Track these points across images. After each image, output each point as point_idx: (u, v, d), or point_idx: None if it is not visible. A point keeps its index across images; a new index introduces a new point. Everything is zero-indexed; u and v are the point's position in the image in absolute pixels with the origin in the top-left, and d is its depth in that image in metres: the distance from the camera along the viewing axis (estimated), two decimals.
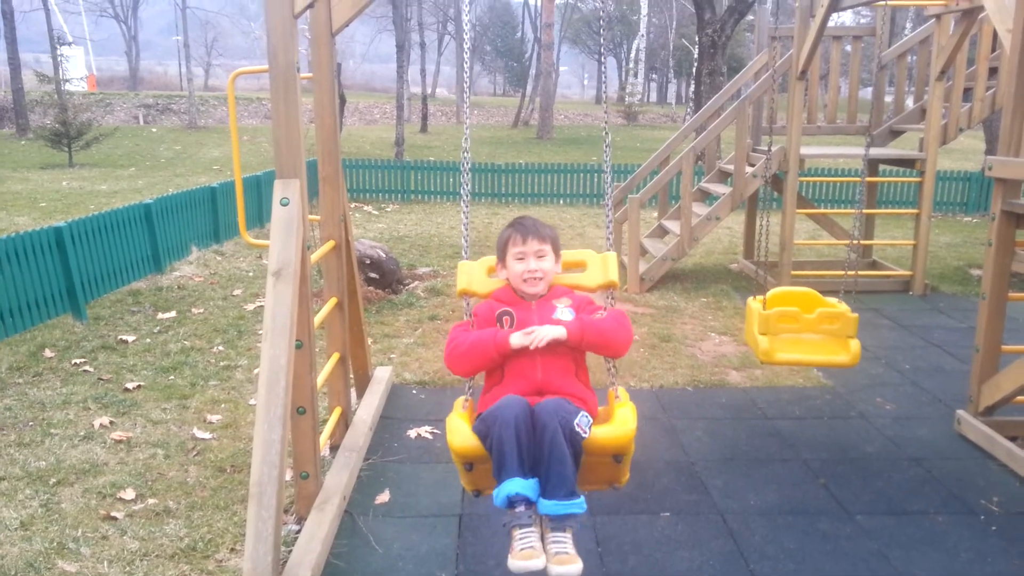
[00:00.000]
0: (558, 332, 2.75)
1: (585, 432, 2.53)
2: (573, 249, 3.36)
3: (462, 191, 3.23)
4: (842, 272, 8.69)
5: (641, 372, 6.04)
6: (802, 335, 4.72)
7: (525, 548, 2.44)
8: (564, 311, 2.86)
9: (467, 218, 3.29)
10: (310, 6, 3.57)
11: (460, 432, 2.71)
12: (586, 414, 2.59)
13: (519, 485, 2.48)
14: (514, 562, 2.44)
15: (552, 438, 2.46)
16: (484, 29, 59.75)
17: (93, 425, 4.89)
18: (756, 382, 5.89)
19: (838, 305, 4.69)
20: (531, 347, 2.72)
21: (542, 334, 2.73)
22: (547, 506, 2.49)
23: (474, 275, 3.15)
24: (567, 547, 2.46)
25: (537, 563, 2.39)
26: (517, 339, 2.75)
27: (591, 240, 11.55)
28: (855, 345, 4.55)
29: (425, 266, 9.52)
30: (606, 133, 3.31)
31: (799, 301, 4.80)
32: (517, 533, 2.50)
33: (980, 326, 4.88)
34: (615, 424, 2.69)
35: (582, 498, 2.55)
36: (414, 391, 5.64)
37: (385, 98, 46.66)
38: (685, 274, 9.37)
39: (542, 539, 2.50)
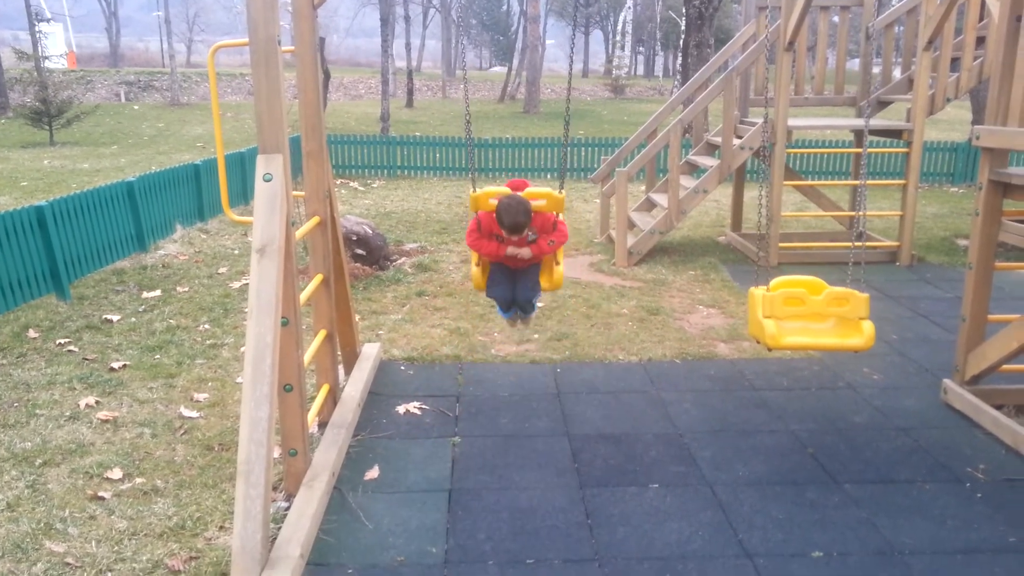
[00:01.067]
0: (527, 253, 4.49)
1: (538, 302, 4.98)
2: (540, 189, 4.57)
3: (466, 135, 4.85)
4: (830, 244, 8.75)
5: (629, 345, 6.04)
6: (811, 321, 4.49)
7: (509, 320, 4.95)
8: (530, 235, 4.46)
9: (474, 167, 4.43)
10: None
11: (478, 283, 4.70)
12: (539, 293, 4.72)
13: (508, 314, 4.85)
14: (507, 325, 5.29)
15: (524, 305, 4.74)
16: (469, 2, 59.11)
17: (79, 405, 4.86)
18: (744, 354, 5.90)
19: (845, 288, 4.45)
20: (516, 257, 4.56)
21: (521, 255, 4.49)
22: (523, 315, 4.90)
23: (479, 202, 4.53)
24: (529, 320, 5.06)
25: (515, 325, 5.15)
26: (510, 252, 4.48)
27: (578, 214, 11.51)
28: (869, 327, 4.33)
29: (412, 242, 9.47)
30: (567, 123, 4.91)
31: (804, 288, 4.54)
32: (506, 320, 4.97)
33: (966, 296, 4.89)
34: (553, 282, 4.69)
35: (535, 309, 4.99)
36: (402, 367, 5.63)
37: (370, 73, 46.19)
38: (673, 247, 9.36)
39: (515, 320, 4.96)
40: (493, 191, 4.56)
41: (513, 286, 4.63)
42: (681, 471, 4.19)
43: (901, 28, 9.59)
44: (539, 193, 4.54)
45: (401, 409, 4.90)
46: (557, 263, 4.71)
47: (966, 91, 8.79)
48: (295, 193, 4.32)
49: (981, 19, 8.33)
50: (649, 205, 9.78)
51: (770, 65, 8.60)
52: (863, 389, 5.27)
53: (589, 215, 11.42)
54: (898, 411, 4.93)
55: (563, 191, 4.60)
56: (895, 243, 8.78)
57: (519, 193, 4.46)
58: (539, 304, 5.00)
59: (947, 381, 5.05)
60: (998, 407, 4.69)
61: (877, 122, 9.06)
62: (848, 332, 4.43)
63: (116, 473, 4.06)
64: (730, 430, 4.67)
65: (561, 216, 4.68)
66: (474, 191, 4.59)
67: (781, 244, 8.53)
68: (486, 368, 5.61)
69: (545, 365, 5.68)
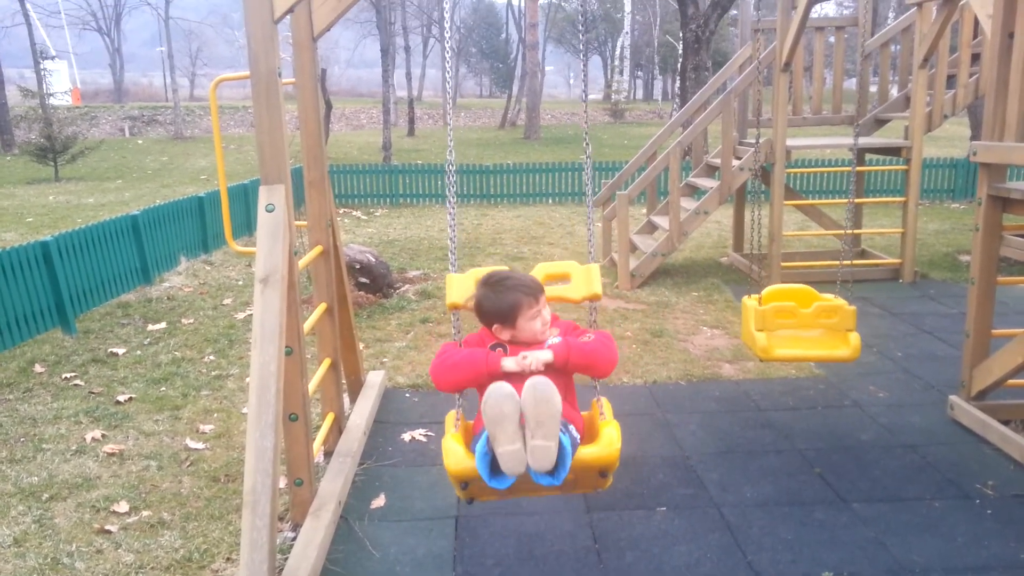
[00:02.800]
0: (547, 356, 2.80)
1: (572, 454, 2.67)
2: (560, 261, 3.42)
3: (448, 194, 3.20)
4: (832, 262, 8.75)
5: (634, 368, 6.04)
6: (800, 331, 4.67)
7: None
8: (552, 340, 2.90)
9: (453, 222, 3.25)
10: (290, 11, 3.56)
11: (455, 454, 2.75)
12: (577, 444, 2.73)
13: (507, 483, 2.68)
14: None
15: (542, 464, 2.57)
16: (468, 31, 59.76)
17: (85, 439, 4.86)
18: (749, 374, 5.90)
19: (834, 299, 4.65)
20: (526, 372, 2.72)
21: (534, 358, 2.78)
22: (536, 477, 2.61)
23: (463, 288, 3.09)
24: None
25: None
26: (510, 364, 2.78)
27: (580, 238, 11.55)
28: (855, 338, 4.51)
29: (416, 269, 9.50)
30: (587, 145, 3.44)
31: (795, 297, 4.73)
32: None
33: (970, 311, 4.89)
34: (601, 444, 2.76)
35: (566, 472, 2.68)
36: (407, 394, 5.63)
37: (371, 103, 46.59)
38: (675, 269, 9.38)
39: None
40: (480, 272, 3.07)
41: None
42: (689, 493, 4.17)
43: (897, 47, 9.67)
44: (558, 272, 3.18)
45: (407, 436, 4.90)
46: (603, 415, 3.00)
47: (963, 107, 8.83)
48: (297, 223, 4.36)
49: (975, 36, 8.40)
50: (651, 227, 9.81)
51: (767, 87, 8.68)
52: (869, 407, 5.26)
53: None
54: (905, 428, 4.91)
55: (594, 262, 3.20)
56: (897, 260, 8.78)
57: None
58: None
59: (953, 397, 5.03)
60: (1005, 422, 4.68)
61: (875, 140, 9.10)
62: (836, 343, 4.59)
63: (123, 506, 4.06)
64: (737, 451, 4.66)
65: (595, 310, 3.21)
66: (450, 274, 3.16)
67: (783, 263, 8.54)
68: None
69: None
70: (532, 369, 2.74)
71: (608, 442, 2.75)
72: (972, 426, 4.80)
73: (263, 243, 3.49)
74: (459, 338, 3.10)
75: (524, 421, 2.51)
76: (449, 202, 3.20)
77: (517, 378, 2.68)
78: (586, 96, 3.56)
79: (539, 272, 3.18)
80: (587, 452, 2.72)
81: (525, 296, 2.83)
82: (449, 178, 3.19)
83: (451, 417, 3.01)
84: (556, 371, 2.80)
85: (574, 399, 3.02)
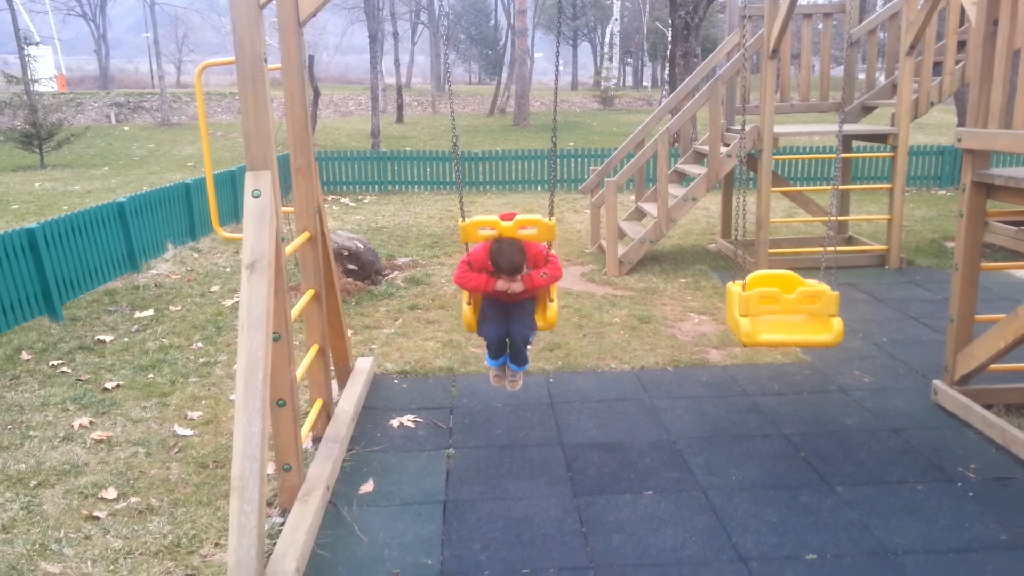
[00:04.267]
0: (519, 287, 4.29)
1: (531, 339, 4.50)
2: (530, 216, 4.40)
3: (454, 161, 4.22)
4: (819, 249, 8.79)
5: (622, 354, 6.07)
6: (784, 316, 4.71)
7: (496, 376, 4.67)
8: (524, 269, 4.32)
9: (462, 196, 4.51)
10: None
11: (469, 322, 4.51)
12: (534, 331, 4.46)
13: (497, 362, 4.59)
14: (492, 383, 4.73)
15: (517, 344, 4.44)
16: (457, 17, 59.44)
17: (73, 426, 4.86)
18: (736, 360, 5.93)
19: (818, 285, 4.68)
20: (508, 291, 4.31)
21: (512, 289, 4.28)
22: (512, 367, 4.56)
23: (469, 232, 4.40)
24: (517, 379, 4.64)
25: (501, 384, 4.68)
26: (501, 286, 4.28)
27: (569, 225, 11.55)
28: (838, 323, 4.55)
29: (404, 256, 9.50)
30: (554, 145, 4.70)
31: (779, 283, 4.77)
32: (493, 371, 4.66)
33: (953, 297, 4.94)
34: (547, 320, 4.51)
35: (527, 364, 4.59)
36: (396, 381, 5.64)
37: (360, 89, 46.32)
38: (664, 256, 9.41)
39: (504, 374, 4.65)
40: (483, 220, 4.41)
41: (507, 323, 4.41)
42: (675, 477, 4.20)
43: (884, 34, 9.70)
44: (528, 220, 4.38)
45: (395, 422, 4.91)
46: (551, 299, 4.53)
47: (949, 94, 8.87)
48: (284, 209, 4.35)
49: (962, 24, 8.42)
50: (639, 214, 9.83)
51: (755, 74, 8.68)
52: (854, 392, 5.30)
53: (579, 225, 11.46)
54: (889, 413, 4.96)
55: (553, 218, 4.43)
56: (884, 247, 8.84)
57: (510, 232, 4.33)
58: (526, 368, 4.53)
59: (937, 382, 5.09)
60: (988, 406, 4.73)
61: (862, 127, 9.13)
62: (818, 328, 4.63)
63: (111, 493, 4.06)
64: (723, 436, 4.69)
65: (552, 248, 4.51)
66: (463, 220, 4.46)
67: (771, 250, 8.57)
68: (479, 380, 5.62)
69: (538, 375, 5.70)
70: (511, 291, 4.27)
71: (552, 318, 4.51)
72: (955, 410, 4.86)
73: (250, 229, 3.48)
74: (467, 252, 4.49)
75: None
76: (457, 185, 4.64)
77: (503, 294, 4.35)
78: (558, 84, 4.58)
79: (516, 224, 4.34)
80: (540, 325, 4.49)
81: (504, 272, 4.24)
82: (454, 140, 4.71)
83: (465, 297, 4.55)
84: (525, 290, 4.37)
85: (534, 297, 4.54)
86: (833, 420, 4.88)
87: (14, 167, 19.90)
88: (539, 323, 4.48)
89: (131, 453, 4.53)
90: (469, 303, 4.49)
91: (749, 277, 4.83)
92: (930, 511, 3.82)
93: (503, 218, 4.40)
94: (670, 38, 19.10)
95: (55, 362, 5.97)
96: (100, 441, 4.66)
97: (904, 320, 6.86)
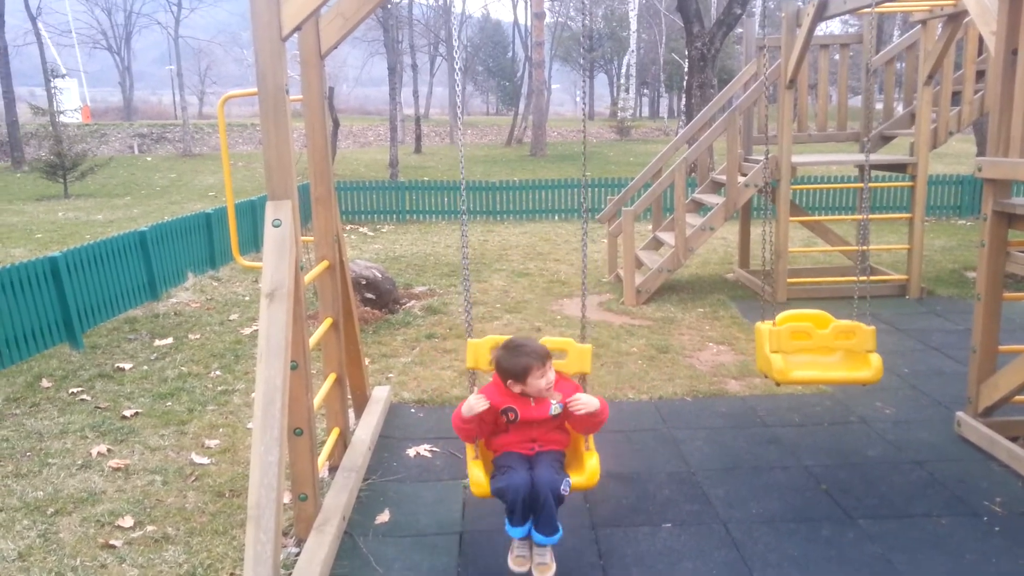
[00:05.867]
0: (556, 396, 3.49)
1: (566, 492, 3.37)
2: (558, 338, 3.83)
3: (461, 217, 3.47)
4: (838, 279, 8.75)
5: (640, 384, 6.03)
6: (818, 355, 4.51)
7: (519, 556, 3.47)
8: (556, 407, 3.48)
9: (465, 249, 3.80)
10: (298, 29, 3.59)
11: (479, 484, 3.46)
12: (568, 480, 3.39)
13: (522, 531, 3.41)
14: (512, 566, 3.46)
15: (546, 500, 3.31)
16: (475, 50, 60.13)
17: (91, 453, 4.87)
18: (755, 390, 5.88)
19: (852, 323, 4.48)
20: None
21: (544, 393, 3.47)
22: (538, 538, 3.39)
23: (480, 354, 3.73)
24: (546, 559, 3.45)
25: (525, 568, 3.43)
26: (532, 384, 3.44)
27: (588, 256, 11.51)
28: (876, 359, 4.36)
29: (422, 285, 9.52)
30: (584, 174, 3.84)
31: (811, 321, 4.59)
32: (515, 545, 3.49)
33: (976, 327, 4.88)
34: (586, 475, 3.51)
35: (560, 533, 3.42)
36: (412, 410, 5.63)
37: (379, 120, 46.82)
38: (681, 285, 9.37)
39: (530, 550, 3.46)
40: (496, 339, 3.68)
41: (530, 471, 3.40)
42: (695, 509, 4.15)
43: (902, 64, 9.69)
44: (557, 343, 3.72)
45: (412, 452, 4.89)
46: (588, 447, 3.62)
47: (968, 124, 8.84)
48: (304, 238, 4.39)
49: (980, 53, 8.42)
50: (656, 244, 9.82)
51: (772, 104, 8.70)
52: (876, 423, 5.23)
53: (597, 255, 11.46)
54: (912, 444, 4.88)
55: (589, 344, 3.78)
56: (904, 276, 8.77)
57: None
58: (558, 538, 3.40)
59: (960, 413, 5.01)
60: (1013, 439, 4.65)
61: (881, 157, 9.11)
62: (856, 365, 4.46)
63: (127, 521, 4.06)
64: (743, 467, 4.64)
65: (583, 382, 3.74)
66: (470, 336, 3.76)
67: (789, 280, 8.53)
68: None
69: None
70: (543, 393, 3.44)
71: (591, 473, 3.50)
72: (979, 443, 4.78)
73: (269, 258, 3.51)
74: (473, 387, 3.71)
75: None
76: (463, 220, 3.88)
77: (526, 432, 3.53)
78: (586, 114, 3.91)
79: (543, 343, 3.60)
80: (576, 482, 3.44)
81: (535, 360, 3.40)
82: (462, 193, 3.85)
83: (470, 451, 3.60)
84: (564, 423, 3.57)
85: (563, 450, 3.63)
86: (855, 452, 4.81)
87: (38, 196, 20.21)
88: (575, 479, 3.45)
89: (148, 481, 4.53)
90: (477, 457, 3.55)
91: (779, 316, 4.65)
92: (955, 546, 3.74)
93: None
94: (687, 69, 19.22)
95: (75, 389, 6.02)
96: (117, 469, 4.67)
97: (926, 350, 6.78)
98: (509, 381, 3.45)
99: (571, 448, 3.65)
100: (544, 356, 3.42)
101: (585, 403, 3.40)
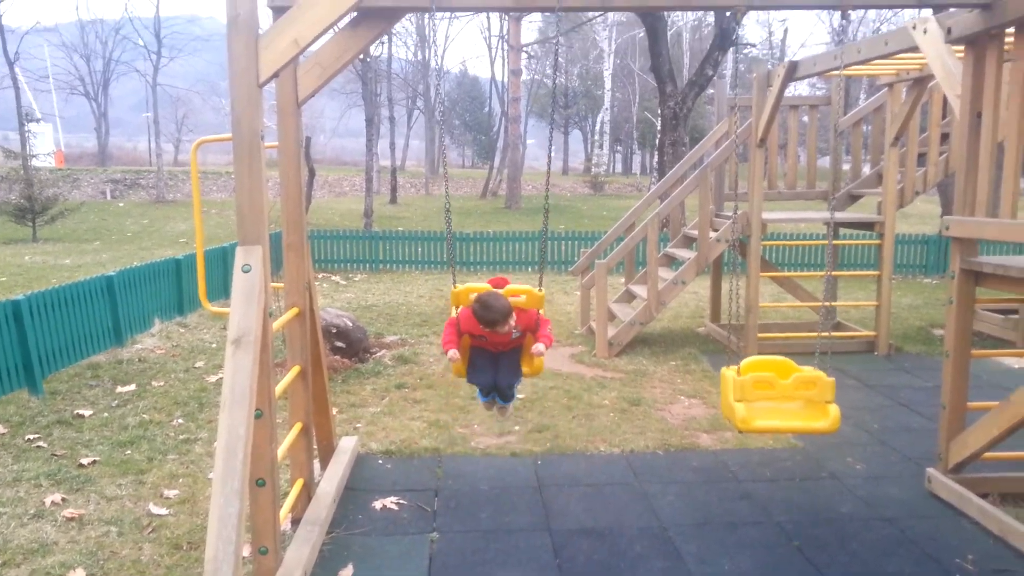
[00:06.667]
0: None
1: (517, 385, 4.76)
2: (521, 286, 4.72)
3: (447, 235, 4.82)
4: (808, 334, 8.80)
5: (611, 437, 5.97)
6: (779, 403, 4.59)
7: (486, 402, 4.80)
8: (515, 332, 4.52)
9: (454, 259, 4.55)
10: (275, 76, 3.59)
11: (459, 370, 4.64)
12: (519, 378, 4.69)
13: (487, 398, 4.73)
14: (483, 408, 4.93)
15: (504, 390, 4.63)
16: (453, 104, 60.89)
17: (44, 503, 4.70)
18: (727, 444, 5.85)
19: (813, 371, 4.56)
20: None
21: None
22: (500, 402, 4.74)
23: (460, 297, 4.66)
24: (506, 409, 4.85)
25: (492, 410, 4.87)
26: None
27: (559, 306, 11.56)
28: (834, 410, 4.43)
29: (393, 334, 9.44)
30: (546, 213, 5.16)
31: (773, 368, 4.66)
32: (482, 404, 4.85)
33: (945, 384, 4.91)
34: (533, 369, 4.65)
35: (514, 399, 4.82)
36: (380, 461, 5.52)
37: (355, 171, 46.95)
38: (653, 338, 9.38)
39: (492, 404, 4.80)
40: (474, 287, 4.65)
41: (495, 372, 4.63)
42: (667, 566, 4.07)
43: (868, 126, 9.95)
44: (519, 290, 4.64)
45: (378, 504, 4.78)
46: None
47: (933, 184, 9.06)
48: (274, 285, 4.33)
49: (944, 116, 8.66)
50: (629, 297, 9.86)
51: (743, 162, 8.86)
52: (847, 479, 5.21)
53: (569, 307, 11.47)
54: (883, 501, 4.86)
55: (542, 289, 4.67)
56: (872, 333, 8.85)
57: (499, 290, 4.60)
58: (519, 396, 4.89)
59: (931, 470, 5.01)
60: (983, 495, 4.64)
61: (849, 215, 9.27)
62: (815, 415, 4.51)
63: (79, 573, 3.90)
64: (715, 523, 4.58)
65: (542, 312, 4.72)
66: (455, 287, 4.73)
67: (760, 335, 8.57)
68: (466, 461, 5.51)
69: (526, 457, 5.59)
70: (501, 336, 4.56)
71: (536, 368, 4.64)
72: (950, 499, 4.77)
73: (237, 303, 3.45)
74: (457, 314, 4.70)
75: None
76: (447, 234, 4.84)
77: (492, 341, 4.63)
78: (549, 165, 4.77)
79: (507, 293, 4.55)
80: (525, 371, 4.66)
81: (500, 318, 4.38)
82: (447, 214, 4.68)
83: (453, 354, 4.51)
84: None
85: (520, 348, 4.70)
86: (826, 508, 4.78)
87: (6, 240, 19.92)
88: (526, 370, 4.67)
89: (103, 532, 4.37)
90: (455, 360, 4.69)
91: (744, 363, 4.72)
92: None
93: (493, 284, 4.70)
94: (659, 127, 19.56)
95: (31, 436, 5.83)
96: (71, 519, 4.51)
97: (894, 407, 6.81)
98: (481, 326, 4.44)
99: (525, 347, 4.69)
100: (507, 315, 4.39)
101: (538, 350, 4.45)
